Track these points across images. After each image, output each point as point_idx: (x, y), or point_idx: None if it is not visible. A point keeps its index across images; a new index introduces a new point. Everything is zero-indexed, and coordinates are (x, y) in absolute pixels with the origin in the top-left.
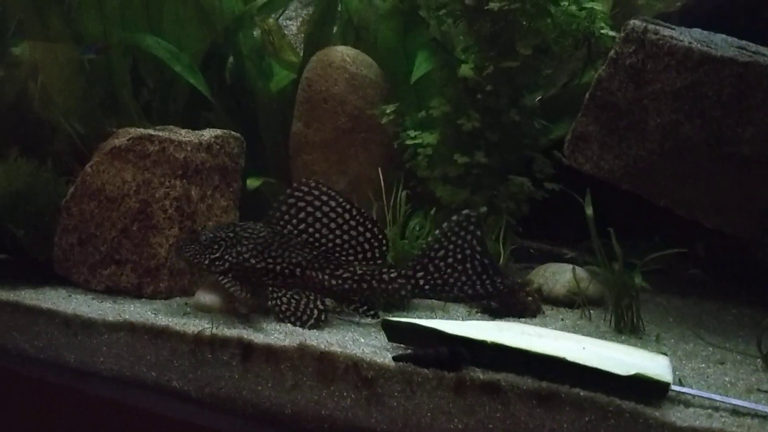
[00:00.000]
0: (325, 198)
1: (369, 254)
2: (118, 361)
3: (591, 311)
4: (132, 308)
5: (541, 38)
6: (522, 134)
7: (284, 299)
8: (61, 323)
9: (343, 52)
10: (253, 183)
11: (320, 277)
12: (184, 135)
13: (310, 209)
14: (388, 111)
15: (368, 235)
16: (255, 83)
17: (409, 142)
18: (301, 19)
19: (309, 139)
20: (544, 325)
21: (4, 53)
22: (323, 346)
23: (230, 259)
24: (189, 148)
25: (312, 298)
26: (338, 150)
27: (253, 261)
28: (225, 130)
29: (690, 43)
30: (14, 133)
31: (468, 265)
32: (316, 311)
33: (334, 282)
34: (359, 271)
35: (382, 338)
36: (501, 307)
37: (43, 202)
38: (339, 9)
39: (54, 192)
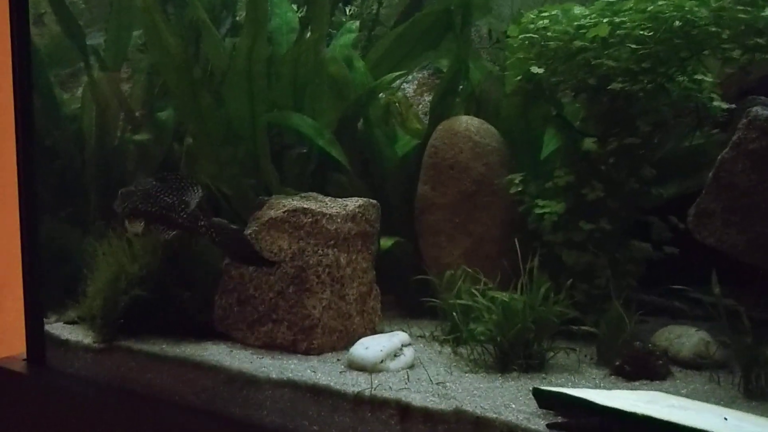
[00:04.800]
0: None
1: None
2: (281, 415)
3: (719, 374)
4: (291, 365)
5: (660, 115)
6: (640, 201)
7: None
8: (227, 379)
9: (467, 122)
10: (386, 243)
11: (173, 216)
12: (330, 205)
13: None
14: (516, 181)
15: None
16: (383, 149)
17: (538, 211)
18: (417, 81)
19: (434, 201)
20: (675, 388)
21: (151, 118)
22: (479, 411)
23: (129, 205)
24: (339, 220)
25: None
26: (462, 212)
27: (140, 206)
28: (365, 199)
29: None
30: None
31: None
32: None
33: (180, 221)
34: (185, 215)
35: (531, 404)
36: (633, 370)
37: (203, 266)
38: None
39: (211, 255)
